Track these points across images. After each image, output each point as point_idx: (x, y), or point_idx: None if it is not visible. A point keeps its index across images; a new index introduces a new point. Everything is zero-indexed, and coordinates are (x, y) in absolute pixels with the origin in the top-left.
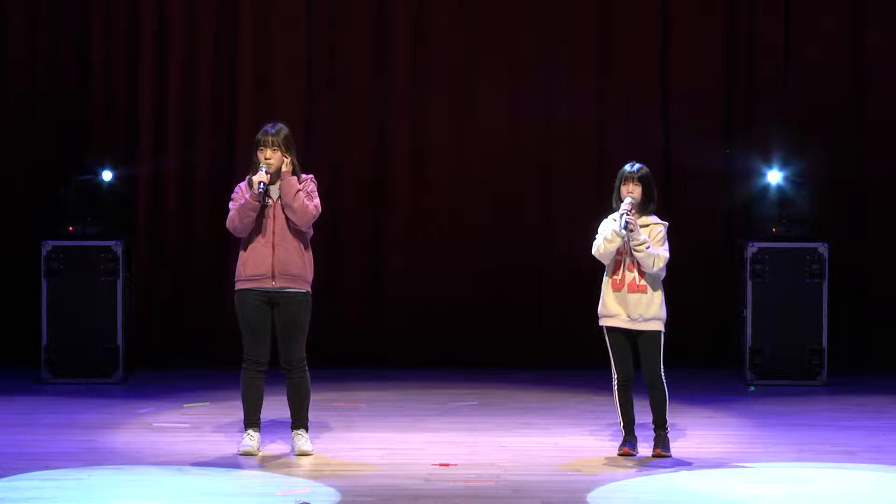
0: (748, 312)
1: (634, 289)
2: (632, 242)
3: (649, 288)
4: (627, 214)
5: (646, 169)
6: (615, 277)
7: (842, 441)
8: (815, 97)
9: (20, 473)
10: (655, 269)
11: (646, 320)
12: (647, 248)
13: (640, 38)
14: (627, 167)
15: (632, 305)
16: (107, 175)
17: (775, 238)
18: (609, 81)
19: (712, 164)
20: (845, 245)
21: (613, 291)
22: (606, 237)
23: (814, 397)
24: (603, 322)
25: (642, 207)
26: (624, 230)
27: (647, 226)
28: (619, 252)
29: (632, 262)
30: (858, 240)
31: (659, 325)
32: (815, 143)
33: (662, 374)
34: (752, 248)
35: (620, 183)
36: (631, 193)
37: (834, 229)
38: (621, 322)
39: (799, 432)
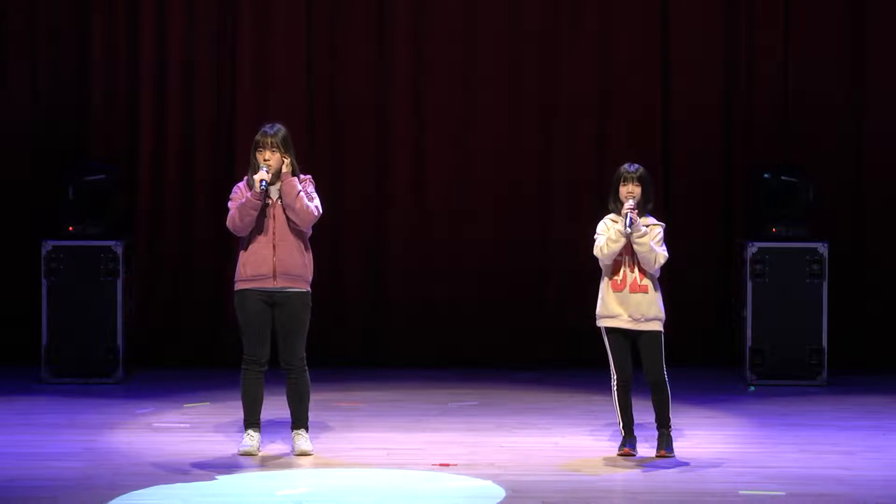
0: (748, 312)
1: (636, 289)
2: (637, 238)
3: (650, 288)
4: (632, 212)
5: (643, 169)
6: (615, 278)
7: (842, 441)
8: (815, 98)
9: (20, 473)
10: (656, 266)
11: (647, 320)
12: (651, 244)
13: (640, 38)
14: (626, 167)
15: (633, 306)
16: (114, 175)
17: (775, 238)
18: (609, 82)
19: (712, 164)
20: (845, 245)
21: (614, 292)
22: (610, 237)
23: (814, 397)
24: (602, 323)
25: (641, 207)
26: (629, 228)
27: (647, 226)
28: (619, 253)
29: (633, 262)
30: (858, 240)
31: (659, 325)
32: (816, 143)
33: (665, 373)
34: (752, 248)
35: (619, 183)
36: (631, 193)
37: (834, 229)
38: (622, 322)
39: (799, 432)
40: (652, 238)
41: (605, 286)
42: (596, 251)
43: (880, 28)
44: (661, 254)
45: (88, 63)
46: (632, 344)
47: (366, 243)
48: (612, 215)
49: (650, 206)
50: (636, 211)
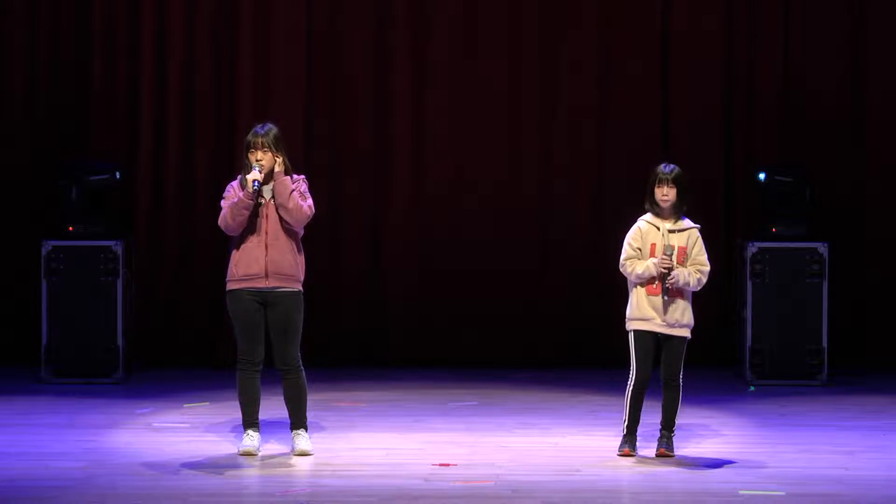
0: (748, 312)
1: (673, 294)
2: (674, 285)
3: (685, 294)
4: (669, 282)
5: (679, 169)
6: (651, 283)
7: (842, 441)
8: (815, 97)
9: (20, 473)
10: (701, 286)
11: (680, 326)
12: (688, 278)
13: (639, 38)
14: (661, 168)
15: (669, 310)
16: (116, 175)
17: (775, 238)
18: (609, 82)
19: (712, 164)
20: (845, 245)
21: (649, 296)
22: (640, 274)
23: (814, 397)
24: (633, 325)
25: (677, 208)
26: (667, 286)
27: (684, 230)
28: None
29: None
30: (858, 240)
31: (688, 332)
32: (816, 142)
33: (681, 378)
34: (752, 248)
35: (654, 185)
36: (666, 196)
37: (834, 229)
38: (655, 326)
39: (799, 432)
40: (692, 245)
41: (638, 289)
42: (627, 270)
43: (880, 28)
44: (704, 273)
45: (88, 63)
46: (657, 348)
47: (365, 242)
48: (647, 216)
49: (685, 207)
50: (670, 259)
